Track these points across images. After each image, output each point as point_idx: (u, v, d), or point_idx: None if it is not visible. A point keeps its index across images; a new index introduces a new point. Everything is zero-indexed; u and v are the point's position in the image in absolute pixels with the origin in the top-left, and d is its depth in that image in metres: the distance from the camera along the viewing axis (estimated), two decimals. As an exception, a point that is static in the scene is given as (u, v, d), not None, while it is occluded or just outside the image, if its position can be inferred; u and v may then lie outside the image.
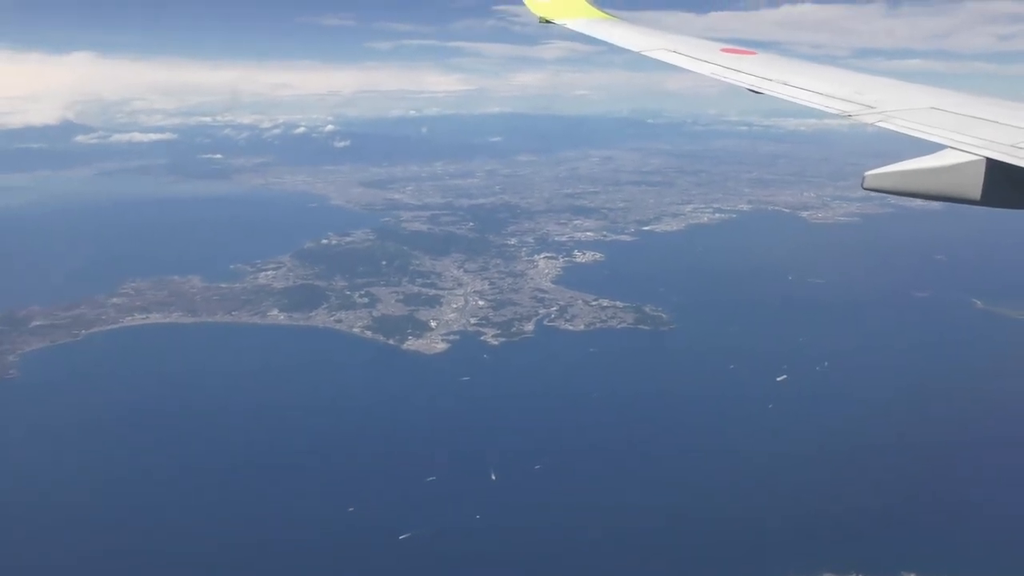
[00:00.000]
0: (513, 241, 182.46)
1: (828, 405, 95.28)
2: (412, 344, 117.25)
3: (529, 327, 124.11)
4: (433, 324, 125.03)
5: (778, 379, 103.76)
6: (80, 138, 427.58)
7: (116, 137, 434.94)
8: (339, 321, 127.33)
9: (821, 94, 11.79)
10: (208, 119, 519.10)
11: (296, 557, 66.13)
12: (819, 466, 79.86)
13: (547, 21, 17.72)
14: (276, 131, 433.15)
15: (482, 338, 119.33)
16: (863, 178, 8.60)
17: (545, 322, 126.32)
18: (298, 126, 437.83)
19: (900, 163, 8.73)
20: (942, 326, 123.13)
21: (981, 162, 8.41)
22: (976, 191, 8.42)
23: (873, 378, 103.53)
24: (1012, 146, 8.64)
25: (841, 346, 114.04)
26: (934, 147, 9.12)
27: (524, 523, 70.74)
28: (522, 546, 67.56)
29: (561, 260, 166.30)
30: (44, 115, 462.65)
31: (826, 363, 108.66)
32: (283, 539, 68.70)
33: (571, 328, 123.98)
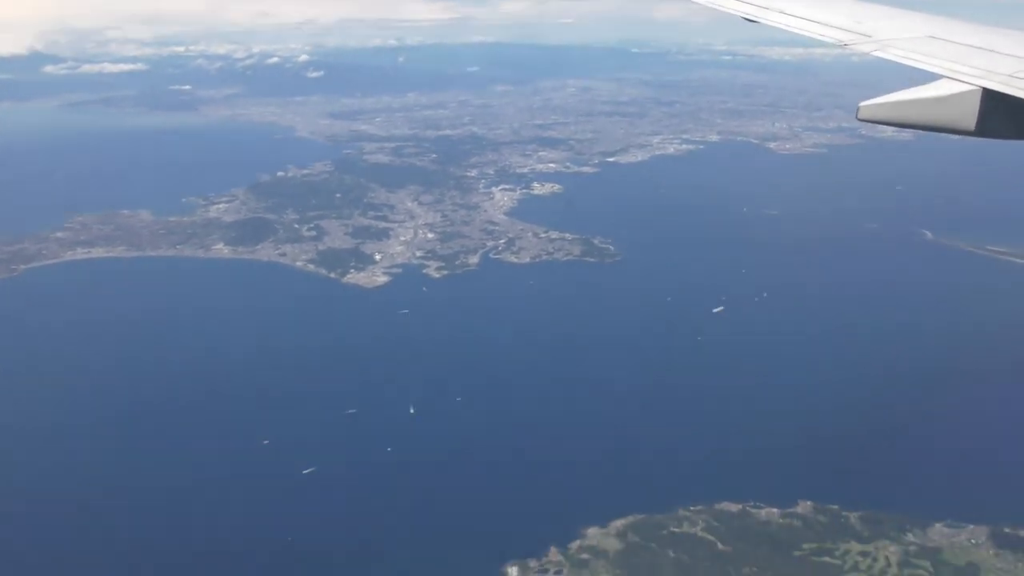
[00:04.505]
0: (473, 173, 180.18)
1: (758, 336, 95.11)
2: (352, 277, 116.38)
3: (474, 260, 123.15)
4: (378, 257, 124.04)
5: (714, 311, 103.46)
6: (48, 68, 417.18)
7: (86, 68, 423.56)
8: (283, 255, 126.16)
9: (818, 23, 11.52)
10: (181, 49, 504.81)
11: (198, 491, 66.38)
12: (730, 398, 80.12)
13: None
14: (249, 61, 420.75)
15: (424, 271, 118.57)
16: (857, 109, 8.54)
17: (491, 255, 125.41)
18: (272, 56, 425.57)
19: (895, 93, 8.51)
20: (886, 258, 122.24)
21: (977, 92, 8.22)
22: (971, 122, 8.25)
23: (808, 308, 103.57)
24: (1010, 76, 8.41)
25: (783, 277, 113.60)
26: (925, 77, 8.90)
27: (432, 456, 71.13)
28: (422, 479, 67.95)
29: (519, 192, 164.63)
30: (12, 45, 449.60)
31: (765, 294, 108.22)
32: (192, 473, 68.82)
33: (516, 260, 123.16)
